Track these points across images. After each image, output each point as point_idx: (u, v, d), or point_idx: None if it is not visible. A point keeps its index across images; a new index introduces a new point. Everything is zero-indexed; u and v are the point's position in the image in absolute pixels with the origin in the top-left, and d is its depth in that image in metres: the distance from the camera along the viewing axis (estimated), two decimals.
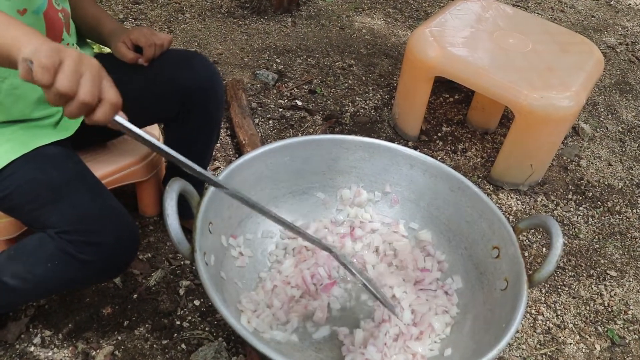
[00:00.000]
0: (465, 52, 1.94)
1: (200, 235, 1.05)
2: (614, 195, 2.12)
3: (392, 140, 1.89)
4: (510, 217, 1.96)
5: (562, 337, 1.59)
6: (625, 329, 1.65)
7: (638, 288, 1.78)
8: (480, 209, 1.28)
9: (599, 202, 2.08)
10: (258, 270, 1.31)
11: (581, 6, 3.51)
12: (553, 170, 2.18)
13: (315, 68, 2.56)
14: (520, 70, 1.89)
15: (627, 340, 1.62)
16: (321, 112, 2.30)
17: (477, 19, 2.16)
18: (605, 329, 1.63)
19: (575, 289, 1.74)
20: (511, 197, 2.03)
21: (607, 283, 1.77)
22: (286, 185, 1.38)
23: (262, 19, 2.86)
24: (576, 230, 1.95)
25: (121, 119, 0.79)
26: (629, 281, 1.79)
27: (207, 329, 1.45)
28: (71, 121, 1.22)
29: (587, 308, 1.69)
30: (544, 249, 1.85)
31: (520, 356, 1.53)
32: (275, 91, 2.37)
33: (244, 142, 1.98)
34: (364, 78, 2.55)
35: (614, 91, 2.74)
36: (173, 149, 0.83)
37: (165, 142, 1.48)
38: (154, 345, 1.40)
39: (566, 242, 1.90)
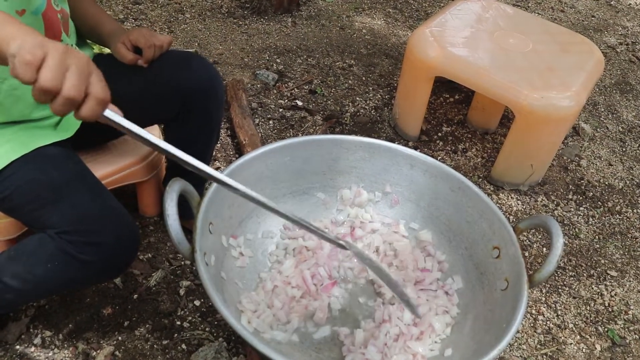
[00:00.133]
0: (466, 52, 1.93)
1: (200, 236, 1.05)
2: (614, 195, 2.12)
3: (392, 141, 1.89)
4: (511, 217, 1.96)
5: (562, 337, 1.59)
6: (626, 329, 1.65)
7: (638, 288, 1.78)
8: (480, 209, 1.28)
9: (599, 202, 2.08)
10: (258, 271, 1.31)
11: (581, 6, 3.51)
12: (553, 170, 2.18)
13: (316, 68, 2.56)
14: (520, 70, 1.89)
15: (627, 341, 1.62)
16: (321, 112, 2.29)
17: (478, 19, 2.16)
18: (606, 329, 1.63)
19: (576, 289, 1.74)
20: (511, 197, 2.03)
21: (608, 283, 1.77)
22: (286, 186, 1.38)
23: (262, 19, 2.86)
24: (576, 230, 1.95)
25: (112, 113, 0.74)
26: (630, 281, 1.79)
27: (207, 329, 1.45)
28: (71, 122, 1.21)
29: (588, 308, 1.69)
30: (545, 249, 1.85)
31: (520, 356, 1.53)
32: (275, 91, 2.37)
33: (244, 142, 1.98)
34: (364, 78, 2.55)
35: (614, 91, 2.73)
36: None
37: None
38: (155, 346, 1.40)
39: (566, 242, 1.90)
